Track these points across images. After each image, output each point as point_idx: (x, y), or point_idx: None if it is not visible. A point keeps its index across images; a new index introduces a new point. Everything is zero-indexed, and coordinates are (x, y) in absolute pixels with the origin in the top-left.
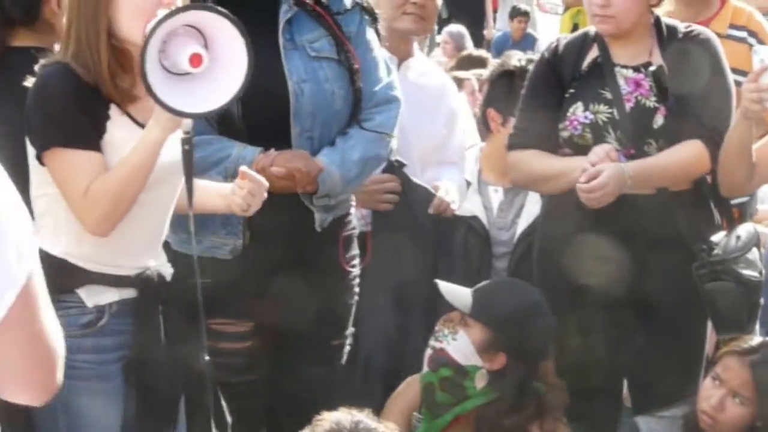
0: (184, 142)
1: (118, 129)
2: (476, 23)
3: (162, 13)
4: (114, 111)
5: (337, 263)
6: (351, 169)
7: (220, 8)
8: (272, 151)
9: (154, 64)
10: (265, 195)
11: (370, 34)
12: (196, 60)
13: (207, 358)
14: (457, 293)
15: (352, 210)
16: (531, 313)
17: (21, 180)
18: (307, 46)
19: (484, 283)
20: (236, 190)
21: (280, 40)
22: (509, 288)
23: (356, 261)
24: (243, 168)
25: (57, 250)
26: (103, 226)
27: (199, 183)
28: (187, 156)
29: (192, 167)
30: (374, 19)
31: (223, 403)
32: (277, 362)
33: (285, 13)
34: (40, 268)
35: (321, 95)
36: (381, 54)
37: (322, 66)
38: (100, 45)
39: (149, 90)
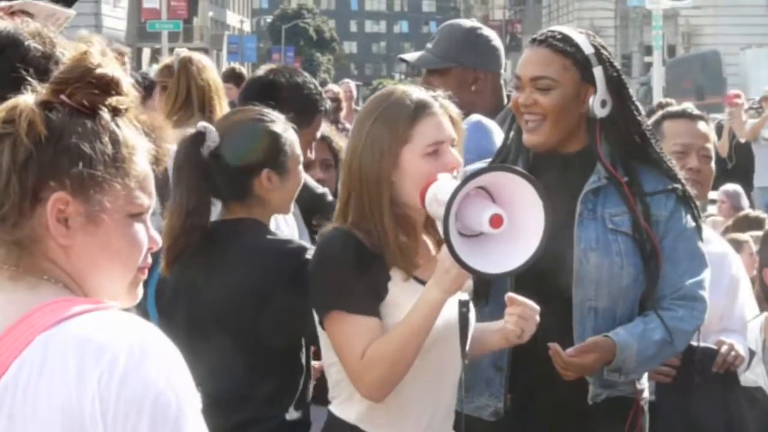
0: (462, 305)
1: (400, 289)
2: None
3: (443, 176)
4: (395, 272)
5: None
6: (649, 348)
7: (518, 168)
8: None
9: (452, 226)
10: (538, 319)
11: (686, 222)
12: (496, 221)
13: None
14: None
15: (644, 395)
16: None
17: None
18: (608, 219)
19: None
20: (507, 317)
21: (578, 207)
22: None
23: None
24: (510, 294)
25: (351, 417)
26: (378, 391)
27: (478, 325)
28: (464, 319)
29: (468, 330)
30: (693, 208)
31: None
32: None
33: (593, 183)
34: None
35: (608, 267)
36: (698, 248)
37: (617, 240)
38: (384, 212)
39: (452, 252)
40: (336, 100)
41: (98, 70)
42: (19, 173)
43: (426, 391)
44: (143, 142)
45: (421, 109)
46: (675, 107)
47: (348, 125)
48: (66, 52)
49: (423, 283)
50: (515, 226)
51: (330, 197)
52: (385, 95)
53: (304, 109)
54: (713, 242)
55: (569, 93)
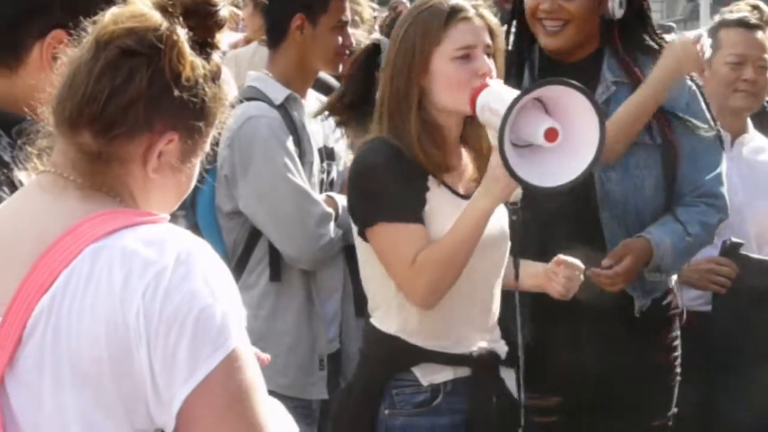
0: (513, 212)
1: (437, 200)
2: None
3: (494, 82)
4: (432, 182)
5: (656, 340)
6: (682, 241)
7: (576, 83)
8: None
9: (506, 138)
10: (581, 278)
11: (701, 116)
12: (551, 134)
13: None
14: None
15: (674, 291)
16: None
17: None
18: None
19: None
20: (552, 275)
21: None
22: None
23: (677, 342)
24: (561, 257)
25: (391, 329)
26: (429, 296)
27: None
28: (516, 226)
29: (520, 238)
30: (705, 100)
31: None
32: None
33: (601, 94)
34: (252, 355)
35: (629, 182)
36: (713, 141)
37: (634, 152)
38: (411, 116)
39: (506, 164)
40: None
41: (221, 10)
42: (148, 103)
43: (470, 298)
44: (229, 89)
45: (454, 12)
46: (732, 15)
47: None
48: None
49: (455, 192)
50: (569, 140)
51: None
52: (423, 2)
53: None
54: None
55: None
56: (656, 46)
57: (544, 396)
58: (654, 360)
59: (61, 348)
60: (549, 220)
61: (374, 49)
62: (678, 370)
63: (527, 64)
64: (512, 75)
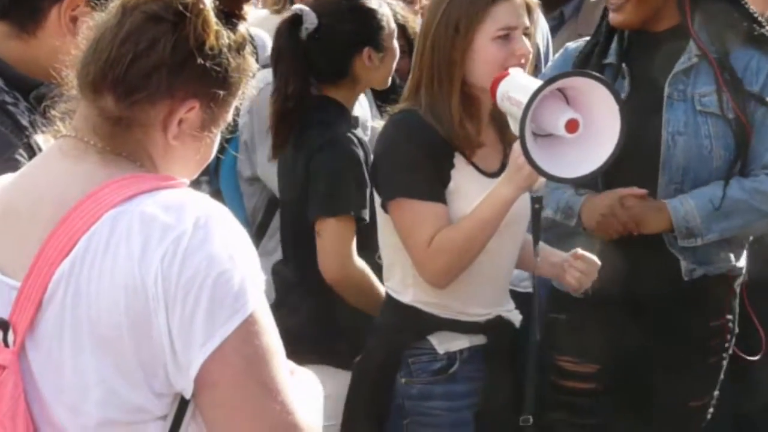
0: (535, 200)
1: (463, 177)
2: None
3: (515, 71)
4: (458, 159)
5: (703, 320)
6: (714, 202)
7: (597, 75)
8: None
9: (527, 130)
10: (596, 275)
11: None
12: (572, 126)
13: None
14: None
15: (739, 278)
16: None
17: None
18: (697, 100)
19: None
20: (568, 268)
21: (666, 89)
22: None
23: (730, 325)
24: (578, 250)
25: (406, 299)
26: (442, 278)
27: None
28: (537, 215)
29: (540, 226)
30: None
31: None
32: (623, 413)
33: (683, 63)
34: (271, 320)
35: (696, 150)
36: None
37: (707, 121)
38: (453, 92)
39: (528, 157)
40: None
41: None
42: (171, 69)
43: (488, 272)
44: (253, 62)
45: None
46: None
47: (425, 0)
48: None
49: (482, 171)
50: (589, 130)
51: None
52: None
53: None
54: None
55: None
56: (753, 30)
57: (582, 362)
58: (697, 340)
59: (81, 313)
60: (609, 177)
61: (295, 20)
62: (725, 354)
63: (617, 35)
64: (600, 43)
